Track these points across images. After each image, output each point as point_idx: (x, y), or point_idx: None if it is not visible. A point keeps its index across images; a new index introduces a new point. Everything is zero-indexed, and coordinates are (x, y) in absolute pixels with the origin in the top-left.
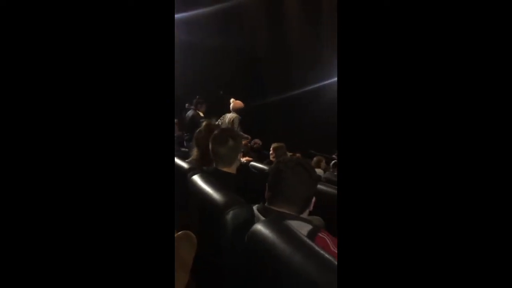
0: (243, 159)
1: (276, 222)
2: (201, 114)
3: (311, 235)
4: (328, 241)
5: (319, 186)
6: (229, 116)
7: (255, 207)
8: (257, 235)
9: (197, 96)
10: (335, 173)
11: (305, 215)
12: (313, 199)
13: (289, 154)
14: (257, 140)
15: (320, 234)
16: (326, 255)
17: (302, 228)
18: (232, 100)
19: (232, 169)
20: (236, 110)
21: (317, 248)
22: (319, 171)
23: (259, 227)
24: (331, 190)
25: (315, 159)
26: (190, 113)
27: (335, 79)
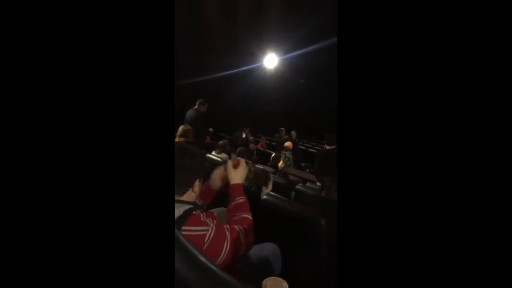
0: None
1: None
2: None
3: (187, 213)
4: (201, 215)
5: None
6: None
7: None
8: None
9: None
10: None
11: (186, 196)
12: (196, 181)
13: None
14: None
15: (194, 212)
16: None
17: (177, 208)
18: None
19: None
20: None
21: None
22: (223, 155)
23: None
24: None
25: (221, 142)
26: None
27: (247, 67)
